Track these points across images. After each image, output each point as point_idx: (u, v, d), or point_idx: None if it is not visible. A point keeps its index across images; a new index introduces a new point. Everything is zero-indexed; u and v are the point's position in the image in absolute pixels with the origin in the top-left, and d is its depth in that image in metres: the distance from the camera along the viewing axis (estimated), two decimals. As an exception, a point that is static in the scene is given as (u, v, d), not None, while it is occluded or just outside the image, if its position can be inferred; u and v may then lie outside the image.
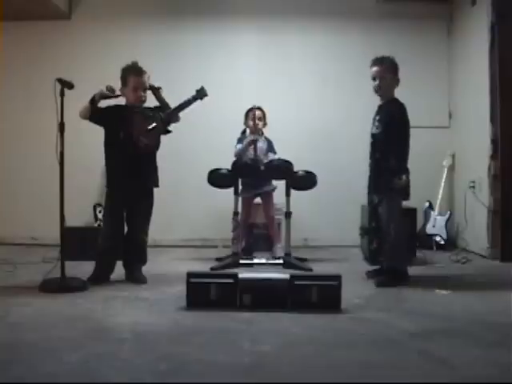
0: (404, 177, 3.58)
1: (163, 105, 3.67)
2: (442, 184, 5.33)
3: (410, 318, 2.70)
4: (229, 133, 5.44)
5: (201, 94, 3.71)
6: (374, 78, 3.61)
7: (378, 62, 3.60)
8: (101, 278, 3.50)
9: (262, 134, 4.72)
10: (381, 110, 3.69)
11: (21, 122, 5.42)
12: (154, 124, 3.56)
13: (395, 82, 3.63)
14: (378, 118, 3.68)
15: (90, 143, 5.35)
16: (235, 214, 4.29)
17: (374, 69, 3.60)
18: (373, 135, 3.69)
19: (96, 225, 5.01)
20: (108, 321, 2.61)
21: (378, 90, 3.63)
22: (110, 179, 3.63)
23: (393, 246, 3.52)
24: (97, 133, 5.57)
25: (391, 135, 3.59)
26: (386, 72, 3.60)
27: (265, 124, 4.74)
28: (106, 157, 3.64)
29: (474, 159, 4.98)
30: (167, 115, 3.61)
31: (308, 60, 5.56)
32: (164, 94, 3.79)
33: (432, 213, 5.27)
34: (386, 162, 3.59)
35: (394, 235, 3.51)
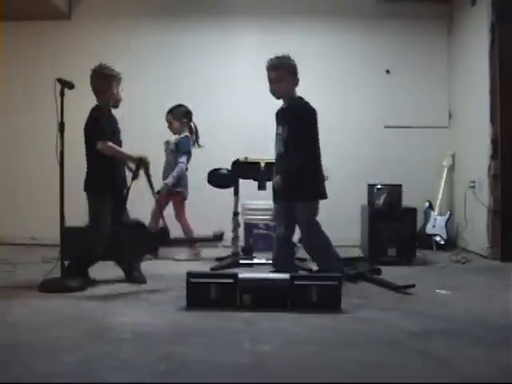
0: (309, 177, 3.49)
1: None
2: (442, 184, 5.33)
3: (410, 318, 2.70)
4: (229, 132, 5.45)
5: (217, 238, 4.00)
6: (270, 81, 3.55)
7: (275, 65, 3.52)
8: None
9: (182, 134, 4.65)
10: (284, 113, 3.60)
11: (21, 121, 5.42)
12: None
13: (295, 81, 3.56)
14: (282, 121, 3.60)
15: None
16: (235, 214, 4.29)
17: (271, 72, 3.52)
18: (281, 138, 3.60)
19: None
20: (108, 321, 2.61)
21: (276, 93, 3.58)
22: (105, 182, 3.56)
23: (318, 252, 3.56)
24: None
25: (298, 135, 3.47)
26: (285, 73, 3.54)
27: (182, 126, 4.63)
28: (101, 160, 3.53)
29: (474, 159, 4.98)
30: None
31: (308, 60, 5.52)
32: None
33: (432, 213, 5.27)
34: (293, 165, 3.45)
35: (313, 242, 3.56)
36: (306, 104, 3.58)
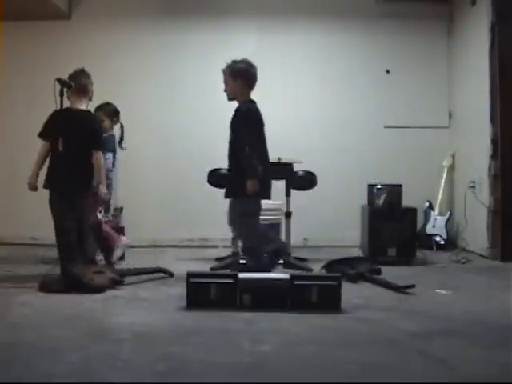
0: (256, 177, 3.52)
1: None
2: (442, 184, 5.33)
3: (410, 318, 2.70)
4: (228, 132, 5.44)
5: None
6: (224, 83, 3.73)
7: (224, 68, 3.72)
8: None
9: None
10: (232, 116, 3.72)
11: (21, 121, 5.42)
12: None
13: (238, 84, 3.66)
14: (230, 123, 3.72)
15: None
16: (235, 214, 4.28)
17: (223, 75, 3.72)
18: (229, 142, 3.73)
19: (96, 225, 5.00)
20: (108, 321, 2.61)
21: (227, 96, 3.72)
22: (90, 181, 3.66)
23: (249, 248, 3.64)
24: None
25: (241, 139, 3.59)
26: (229, 77, 3.68)
27: (111, 125, 4.47)
28: (89, 162, 3.63)
29: (474, 159, 4.98)
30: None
31: (308, 60, 5.56)
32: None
33: (432, 213, 5.26)
34: (240, 163, 3.59)
35: (245, 237, 3.66)
36: (249, 108, 3.68)
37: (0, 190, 5.42)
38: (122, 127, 4.47)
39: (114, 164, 4.35)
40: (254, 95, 5.42)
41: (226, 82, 3.72)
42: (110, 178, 4.25)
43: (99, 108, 4.38)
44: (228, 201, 3.73)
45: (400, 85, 5.54)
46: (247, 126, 3.59)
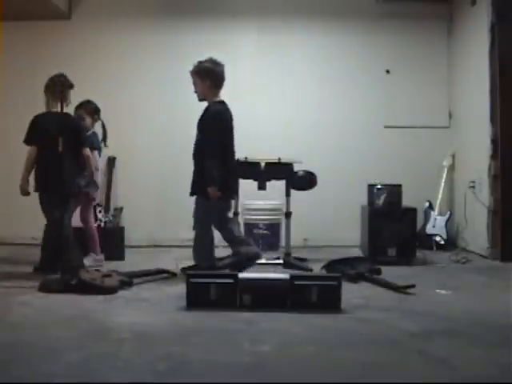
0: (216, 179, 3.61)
1: None
2: (442, 184, 5.33)
3: (410, 318, 2.70)
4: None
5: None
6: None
7: (192, 69, 3.80)
8: None
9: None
10: (200, 116, 3.79)
11: (21, 121, 5.39)
12: None
13: (206, 85, 3.73)
14: (198, 121, 3.79)
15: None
16: (235, 214, 4.29)
17: (191, 76, 3.81)
18: (195, 141, 3.82)
19: (96, 225, 5.00)
20: (108, 321, 2.61)
21: (198, 96, 3.81)
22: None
23: (196, 245, 3.73)
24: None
25: (206, 137, 3.68)
26: (197, 77, 3.76)
27: (93, 123, 4.46)
28: (79, 162, 3.79)
29: (474, 159, 4.98)
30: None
31: (308, 59, 5.56)
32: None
33: (432, 213, 5.26)
34: (203, 163, 3.68)
35: (197, 235, 3.73)
36: (216, 111, 3.72)
37: (0, 190, 5.42)
38: (103, 125, 4.46)
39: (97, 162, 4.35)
40: (254, 95, 5.48)
41: (194, 83, 3.79)
42: (96, 175, 4.28)
43: (80, 106, 4.37)
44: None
45: (400, 85, 5.54)
46: (212, 131, 3.66)
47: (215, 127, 3.65)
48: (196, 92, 3.78)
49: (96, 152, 4.30)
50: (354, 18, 5.53)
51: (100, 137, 4.43)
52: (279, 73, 5.53)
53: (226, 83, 5.45)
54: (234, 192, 3.93)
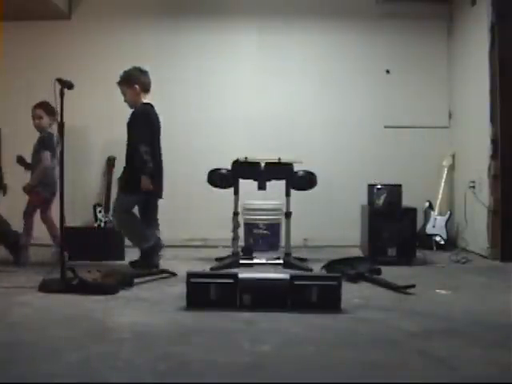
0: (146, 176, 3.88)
1: None
2: (442, 184, 5.33)
3: (410, 318, 2.70)
4: (229, 132, 5.46)
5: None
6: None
7: (119, 81, 4.02)
8: None
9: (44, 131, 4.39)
10: (129, 118, 4.02)
11: (21, 121, 5.40)
12: None
13: (136, 91, 3.99)
14: (127, 122, 4.02)
15: (89, 143, 5.37)
16: (235, 214, 4.29)
17: (119, 87, 4.02)
18: (127, 139, 4.03)
19: (96, 225, 5.01)
20: (108, 321, 2.61)
21: (128, 104, 4.04)
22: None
23: (129, 233, 4.01)
24: (97, 133, 5.59)
25: (135, 137, 3.91)
26: (125, 86, 4.00)
27: (51, 121, 4.39)
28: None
29: (474, 159, 4.98)
30: None
31: (308, 59, 5.56)
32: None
33: (432, 213, 5.27)
34: (132, 162, 3.93)
35: (123, 223, 3.99)
36: (143, 110, 3.99)
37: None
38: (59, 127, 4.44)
39: (53, 163, 4.29)
40: (254, 95, 5.48)
41: (123, 92, 4.01)
42: (50, 176, 4.27)
43: (39, 105, 4.37)
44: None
45: (400, 85, 5.54)
46: (141, 127, 3.90)
47: (145, 123, 3.92)
48: (126, 101, 4.00)
49: (47, 152, 4.26)
50: (354, 18, 5.53)
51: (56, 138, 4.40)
52: (279, 73, 5.53)
53: (225, 83, 5.52)
54: (158, 190, 4.08)
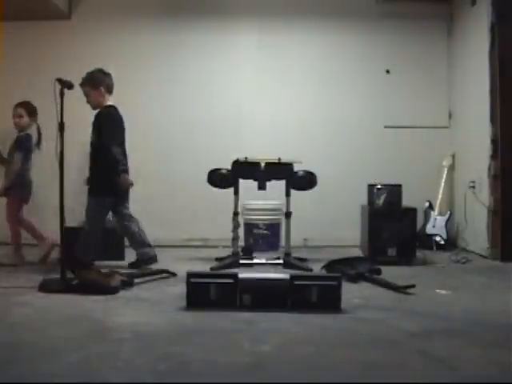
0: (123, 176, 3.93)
1: None
2: (442, 184, 5.33)
3: (410, 318, 2.70)
4: (229, 132, 5.46)
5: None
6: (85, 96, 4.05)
7: (82, 81, 4.00)
8: None
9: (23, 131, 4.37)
10: (94, 120, 4.04)
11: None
12: None
13: (101, 92, 4.03)
14: (92, 126, 4.04)
15: (89, 143, 5.37)
16: (235, 214, 4.29)
17: (81, 88, 3.99)
18: (90, 143, 4.06)
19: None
20: (108, 321, 2.61)
21: (91, 106, 4.06)
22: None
23: (83, 241, 3.94)
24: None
25: (102, 139, 3.94)
26: (89, 87, 4.01)
27: (30, 123, 4.39)
28: None
29: (474, 159, 4.98)
30: None
31: (308, 60, 5.56)
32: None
33: (432, 213, 5.27)
34: (98, 164, 3.98)
35: (86, 231, 3.96)
36: (109, 112, 4.03)
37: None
38: (38, 128, 4.44)
39: (28, 163, 4.31)
40: (254, 95, 5.48)
41: (87, 94, 4.03)
42: (23, 177, 4.28)
43: (20, 104, 4.38)
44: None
45: (400, 85, 5.54)
46: (111, 128, 3.97)
47: (112, 124, 3.99)
48: (89, 102, 4.03)
49: (20, 154, 4.25)
50: (354, 18, 5.53)
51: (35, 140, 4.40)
52: (279, 73, 5.53)
53: (226, 83, 5.52)
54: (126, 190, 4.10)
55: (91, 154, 4.04)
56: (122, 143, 4.06)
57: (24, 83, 5.40)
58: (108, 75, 4.09)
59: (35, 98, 5.33)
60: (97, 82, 4.02)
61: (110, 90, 4.08)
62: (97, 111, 4.05)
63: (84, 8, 5.48)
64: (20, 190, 4.28)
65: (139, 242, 4.09)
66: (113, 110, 4.06)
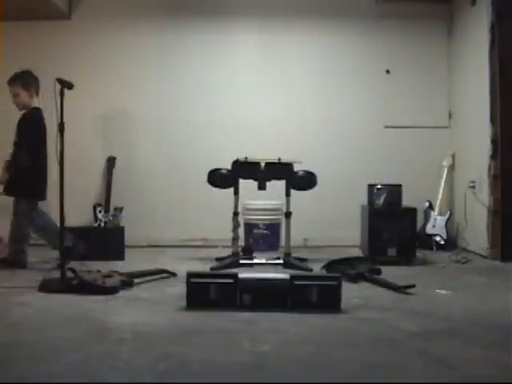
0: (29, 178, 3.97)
1: None
2: (442, 184, 5.33)
3: (410, 318, 2.70)
4: (229, 132, 5.46)
5: None
6: (13, 96, 4.07)
7: (10, 81, 4.08)
8: None
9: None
10: (19, 121, 4.06)
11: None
12: None
13: (31, 93, 4.07)
14: (16, 127, 4.05)
15: (89, 143, 5.37)
16: (235, 214, 4.29)
17: (9, 87, 4.06)
18: (13, 143, 4.06)
19: (96, 225, 5.01)
20: (108, 321, 2.61)
21: (17, 106, 4.08)
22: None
23: (12, 239, 3.98)
24: (97, 133, 5.59)
25: (22, 140, 3.99)
26: (19, 88, 4.05)
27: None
28: None
29: (474, 159, 4.98)
30: None
31: (308, 60, 5.56)
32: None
33: (432, 213, 5.27)
34: (19, 164, 3.97)
35: (12, 229, 3.98)
36: (33, 115, 4.05)
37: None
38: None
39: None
40: (254, 95, 5.48)
41: (15, 94, 4.05)
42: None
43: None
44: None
45: (400, 85, 5.54)
46: (32, 131, 4.00)
47: (34, 130, 4.01)
48: (16, 102, 4.05)
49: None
50: (354, 18, 5.53)
51: None
52: (279, 73, 5.53)
53: (226, 83, 5.52)
54: (40, 192, 4.10)
55: (13, 154, 4.03)
56: (42, 147, 4.02)
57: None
58: (36, 78, 4.14)
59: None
60: (29, 83, 4.07)
61: (37, 93, 4.12)
62: (23, 112, 4.07)
63: (84, 8, 5.48)
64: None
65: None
66: (40, 113, 4.08)
